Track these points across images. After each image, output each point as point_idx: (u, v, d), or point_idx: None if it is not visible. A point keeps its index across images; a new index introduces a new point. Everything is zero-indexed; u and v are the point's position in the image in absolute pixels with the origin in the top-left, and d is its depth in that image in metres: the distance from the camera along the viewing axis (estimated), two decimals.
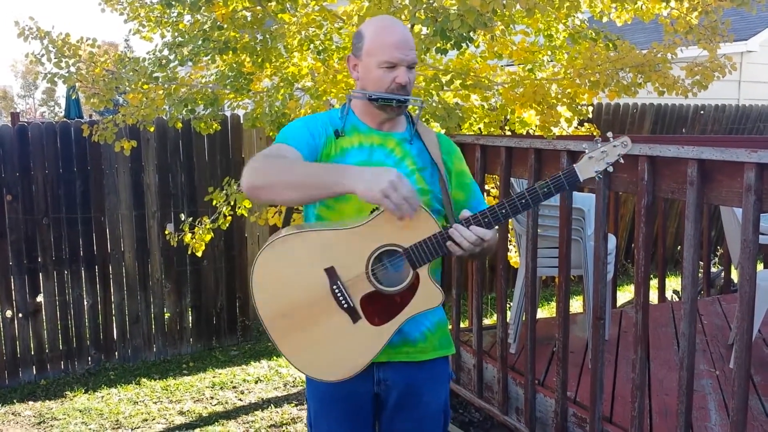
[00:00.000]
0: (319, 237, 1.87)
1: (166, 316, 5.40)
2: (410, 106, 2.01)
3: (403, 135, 2.01)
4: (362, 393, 2.00)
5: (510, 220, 3.76)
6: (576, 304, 6.06)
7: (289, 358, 1.91)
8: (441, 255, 1.83)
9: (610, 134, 1.84)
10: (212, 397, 4.58)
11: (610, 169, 1.83)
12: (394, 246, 1.82)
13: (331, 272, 1.84)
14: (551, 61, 4.04)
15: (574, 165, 1.81)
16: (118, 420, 4.25)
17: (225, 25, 3.63)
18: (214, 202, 4.05)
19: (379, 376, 1.99)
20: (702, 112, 7.64)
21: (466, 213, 1.83)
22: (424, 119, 3.60)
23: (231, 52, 3.62)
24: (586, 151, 1.82)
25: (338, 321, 1.86)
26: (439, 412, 2.08)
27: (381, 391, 2.01)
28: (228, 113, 5.21)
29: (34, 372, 4.99)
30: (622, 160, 1.84)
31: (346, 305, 1.85)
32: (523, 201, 1.82)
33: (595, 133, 4.38)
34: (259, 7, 3.69)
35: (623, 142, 1.82)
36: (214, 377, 4.93)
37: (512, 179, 3.54)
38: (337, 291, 1.84)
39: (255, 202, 1.86)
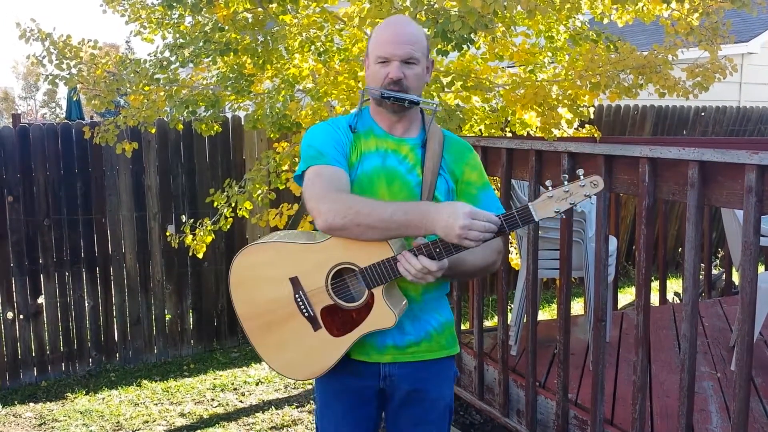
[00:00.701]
0: (287, 248, 1.97)
1: (166, 318, 5.40)
2: (427, 110, 1.99)
3: (416, 141, 2.00)
4: (367, 387, 2.03)
5: None
6: (577, 306, 6.05)
7: (262, 355, 2.04)
8: (394, 278, 1.85)
9: (580, 171, 1.74)
10: (213, 399, 4.58)
11: (578, 207, 1.73)
12: (352, 264, 1.88)
13: (295, 282, 1.94)
14: (552, 62, 4.04)
15: (530, 204, 1.75)
16: (118, 422, 4.25)
17: (226, 27, 3.63)
18: (215, 204, 4.05)
19: (385, 371, 2.01)
20: (703, 113, 7.64)
21: (419, 241, 1.82)
22: None
23: (232, 53, 3.62)
24: (549, 188, 1.74)
25: (301, 327, 1.96)
26: (444, 410, 2.09)
27: (386, 387, 2.03)
28: (229, 115, 5.22)
29: (35, 373, 4.99)
30: (592, 201, 1.75)
31: (306, 314, 1.95)
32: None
33: (595, 135, 4.38)
34: (260, 9, 3.70)
35: (592, 182, 1.73)
36: (214, 379, 4.93)
37: (513, 181, 3.53)
38: (299, 300, 1.94)
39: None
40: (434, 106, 1.99)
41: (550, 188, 1.76)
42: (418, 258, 1.78)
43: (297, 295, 1.94)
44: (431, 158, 1.95)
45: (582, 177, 1.74)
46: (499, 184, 3.50)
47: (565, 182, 1.74)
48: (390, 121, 1.98)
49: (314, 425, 2.37)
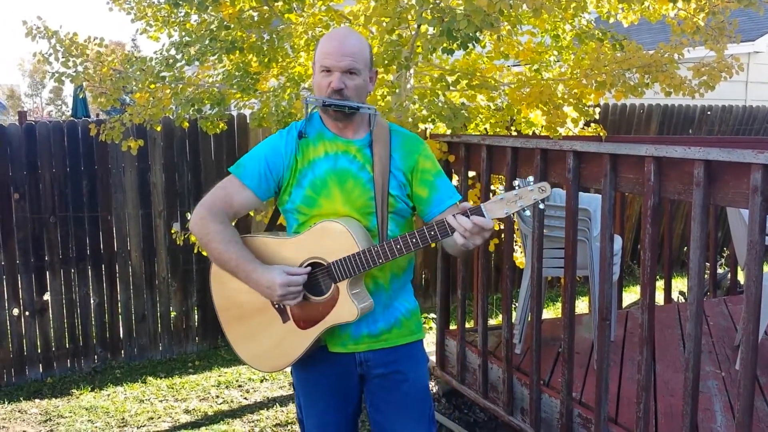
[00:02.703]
0: (263, 242, 2.09)
1: (172, 315, 5.42)
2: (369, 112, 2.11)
3: (363, 142, 2.10)
4: (346, 373, 2.14)
5: (516, 220, 3.76)
6: (581, 305, 6.05)
7: (232, 345, 2.18)
8: (359, 273, 1.98)
9: (530, 179, 1.90)
10: (218, 396, 4.60)
11: (527, 212, 1.88)
12: (321, 259, 2.01)
13: None
14: (558, 61, 4.04)
15: (482, 204, 1.87)
16: (123, 418, 4.27)
17: (232, 25, 3.64)
18: None
19: (361, 358, 2.12)
20: (709, 112, 7.62)
21: (465, 205, 1.90)
22: (430, 119, 3.61)
23: (238, 51, 3.63)
24: (500, 191, 1.85)
25: (270, 319, 2.09)
26: (424, 391, 2.20)
27: (364, 372, 2.14)
28: (234, 113, 5.22)
29: (41, 370, 5.01)
30: (542, 205, 1.89)
31: (277, 306, 2.08)
32: (432, 233, 1.90)
33: (601, 134, 4.37)
34: (266, 7, 3.70)
35: (540, 187, 1.86)
36: (219, 376, 4.94)
37: (518, 179, 3.53)
38: None
39: None
40: (372, 111, 2.09)
41: (503, 192, 1.89)
42: (471, 218, 1.84)
43: None
44: (379, 160, 2.07)
45: (530, 182, 1.86)
46: (503, 183, 3.50)
47: (517, 187, 1.88)
48: (337, 124, 2.09)
49: None
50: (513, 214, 1.88)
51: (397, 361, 2.14)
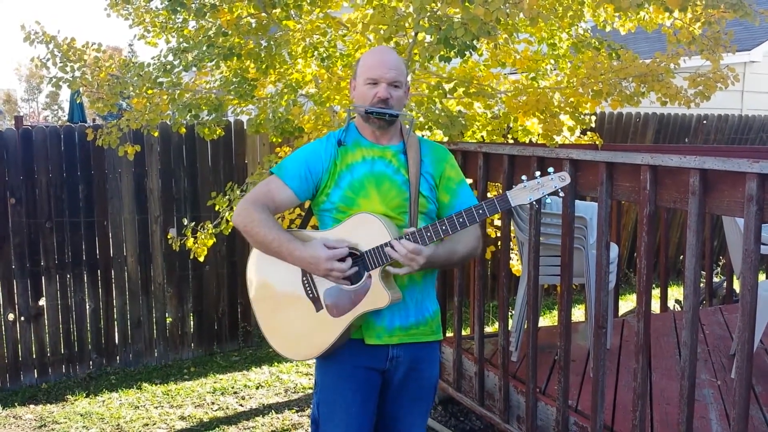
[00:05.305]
0: (300, 234, 2.22)
1: (167, 321, 5.41)
2: (404, 121, 2.31)
3: (398, 147, 2.28)
4: (374, 369, 2.25)
5: (512, 228, 3.76)
6: (578, 313, 6.05)
7: (265, 335, 2.29)
8: (388, 262, 2.10)
9: (551, 169, 2.04)
10: (213, 403, 4.58)
11: (548, 200, 2.04)
12: (355, 249, 2.14)
13: None
14: (554, 69, 4.05)
15: (507, 192, 2.04)
16: (119, 424, 4.25)
17: (230, 32, 3.64)
18: (217, 207, 4.06)
19: (392, 353, 2.25)
20: (705, 122, 7.65)
21: (409, 229, 2.10)
22: (426, 127, 3.61)
23: (235, 58, 3.63)
24: (523, 180, 2.04)
25: (304, 308, 2.21)
26: (434, 387, 2.41)
27: (391, 367, 2.26)
28: (231, 119, 5.22)
29: (36, 375, 4.99)
30: (561, 194, 2.06)
31: (311, 295, 2.20)
32: (461, 220, 2.07)
33: (597, 142, 4.39)
34: (263, 14, 3.71)
35: (560, 176, 2.03)
36: (215, 382, 4.93)
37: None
38: (305, 281, 2.20)
39: None
40: (411, 118, 2.29)
41: (524, 180, 2.04)
42: (402, 243, 2.05)
43: (305, 278, 2.19)
44: (413, 164, 2.24)
45: (551, 173, 2.03)
46: (500, 190, 3.50)
47: (538, 176, 2.04)
48: (375, 132, 2.26)
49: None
50: (533, 202, 2.04)
51: (420, 359, 2.29)
